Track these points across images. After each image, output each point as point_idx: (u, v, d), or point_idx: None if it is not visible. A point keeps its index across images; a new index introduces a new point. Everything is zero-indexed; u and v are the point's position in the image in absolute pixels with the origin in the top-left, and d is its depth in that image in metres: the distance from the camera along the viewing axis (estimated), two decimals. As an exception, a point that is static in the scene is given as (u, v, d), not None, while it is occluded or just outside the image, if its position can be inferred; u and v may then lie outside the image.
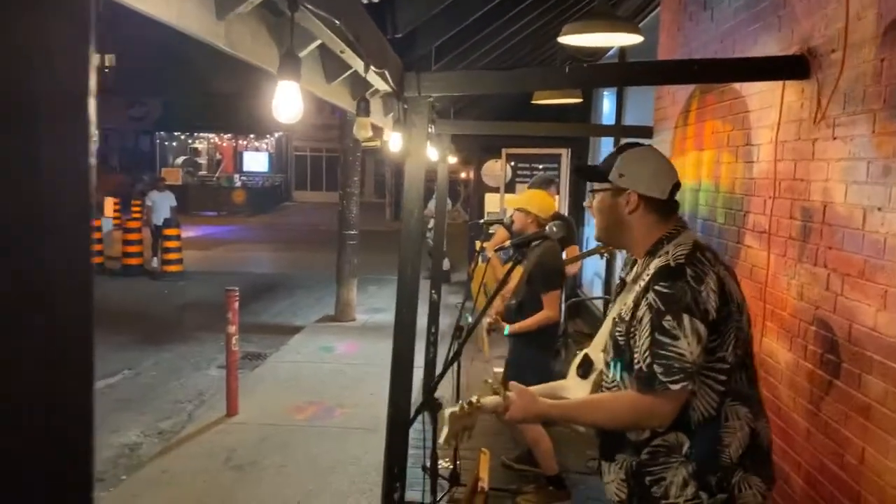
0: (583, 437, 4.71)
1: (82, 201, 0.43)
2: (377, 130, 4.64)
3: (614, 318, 1.85)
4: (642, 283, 1.76)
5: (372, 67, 1.88)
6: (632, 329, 1.75)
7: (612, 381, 1.87)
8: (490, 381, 2.00)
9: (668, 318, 1.66)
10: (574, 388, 2.02)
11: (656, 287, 1.69)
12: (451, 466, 3.75)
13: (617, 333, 1.81)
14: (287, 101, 1.24)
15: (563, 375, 2.74)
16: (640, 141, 2.07)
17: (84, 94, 0.42)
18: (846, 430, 2.31)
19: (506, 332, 3.91)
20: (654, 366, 1.66)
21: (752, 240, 3.10)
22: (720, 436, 1.73)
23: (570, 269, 4.96)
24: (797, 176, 2.70)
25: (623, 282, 1.94)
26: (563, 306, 5.05)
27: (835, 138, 2.42)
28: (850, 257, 2.32)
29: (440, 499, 3.55)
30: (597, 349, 1.97)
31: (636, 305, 1.75)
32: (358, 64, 1.89)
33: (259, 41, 1.87)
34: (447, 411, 1.93)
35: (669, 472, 1.73)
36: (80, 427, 0.45)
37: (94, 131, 0.44)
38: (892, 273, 2.08)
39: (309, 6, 1.23)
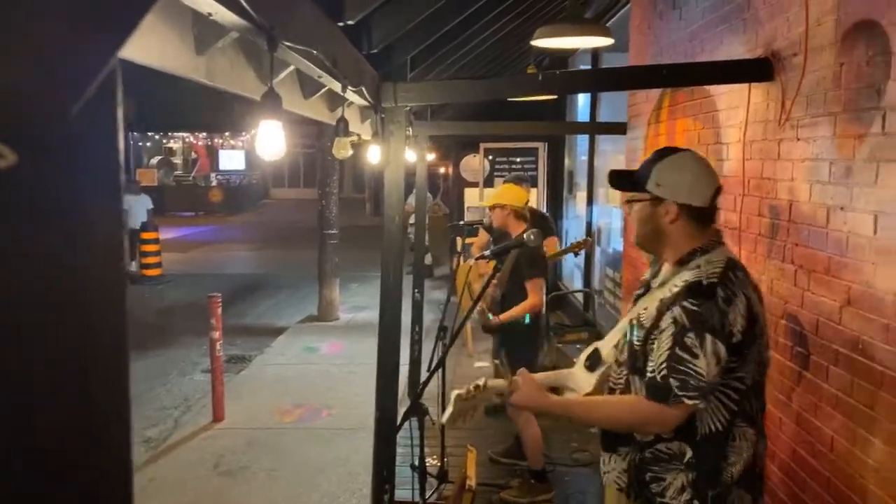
0: (568, 428, 4.82)
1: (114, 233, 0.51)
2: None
3: (632, 321, 1.83)
4: (669, 294, 1.73)
5: (349, 87, 1.93)
6: (651, 336, 1.73)
7: (619, 380, 1.87)
8: (480, 383, 1.98)
9: (692, 335, 1.64)
10: (580, 379, 2.01)
11: (685, 303, 1.67)
12: (439, 464, 3.83)
13: (634, 338, 1.79)
14: (270, 140, 1.28)
15: (545, 369, 2.78)
16: (676, 147, 2.01)
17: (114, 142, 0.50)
18: (816, 420, 2.41)
19: (489, 317, 3.90)
20: (671, 378, 1.66)
21: (725, 237, 3.18)
22: (726, 453, 1.74)
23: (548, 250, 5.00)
24: (765, 175, 2.79)
25: (647, 286, 1.90)
26: (545, 298, 5.10)
27: (799, 139, 2.51)
28: (815, 254, 2.41)
29: (429, 497, 3.62)
30: (608, 345, 1.96)
31: (659, 314, 1.72)
32: (336, 85, 1.94)
33: (237, 69, 1.90)
34: (453, 393, 1.94)
35: (670, 474, 1.76)
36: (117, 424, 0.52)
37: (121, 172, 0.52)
38: (855, 270, 2.17)
39: (288, 43, 1.27)
